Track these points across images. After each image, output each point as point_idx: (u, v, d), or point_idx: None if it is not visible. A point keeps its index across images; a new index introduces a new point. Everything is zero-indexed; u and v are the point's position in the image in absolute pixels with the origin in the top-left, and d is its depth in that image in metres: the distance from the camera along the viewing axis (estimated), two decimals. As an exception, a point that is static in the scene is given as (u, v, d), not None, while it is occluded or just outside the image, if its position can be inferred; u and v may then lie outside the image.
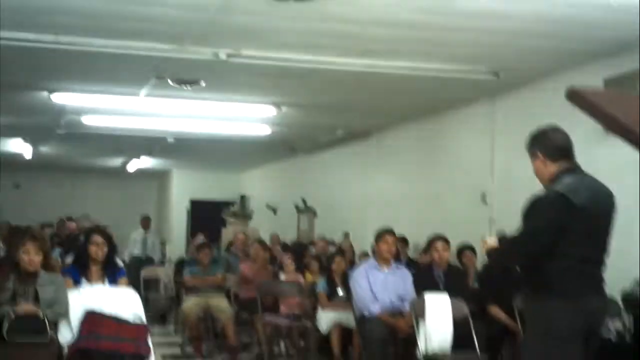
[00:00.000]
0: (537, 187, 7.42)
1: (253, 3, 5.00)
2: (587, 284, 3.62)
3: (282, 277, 8.27)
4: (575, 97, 2.18)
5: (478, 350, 5.87)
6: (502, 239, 4.04)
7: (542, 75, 7.06)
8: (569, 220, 3.52)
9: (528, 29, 5.56)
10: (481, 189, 8.16)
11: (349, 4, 5.06)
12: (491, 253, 4.00)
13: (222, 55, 6.30)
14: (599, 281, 3.70)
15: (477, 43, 6.02)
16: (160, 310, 11.08)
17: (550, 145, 3.76)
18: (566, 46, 6.07)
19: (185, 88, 7.63)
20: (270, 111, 9.13)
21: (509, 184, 7.81)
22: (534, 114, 7.48)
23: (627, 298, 5.47)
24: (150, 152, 14.11)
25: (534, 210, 3.63)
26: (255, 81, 7.68)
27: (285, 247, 10.34)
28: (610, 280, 6.01)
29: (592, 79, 6.27)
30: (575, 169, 3.74)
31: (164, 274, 11.04)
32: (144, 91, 8.05)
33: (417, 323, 5.90)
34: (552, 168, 3.73)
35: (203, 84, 7.57)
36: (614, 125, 2.07)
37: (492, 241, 3.99)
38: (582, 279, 3.59)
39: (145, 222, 14.51)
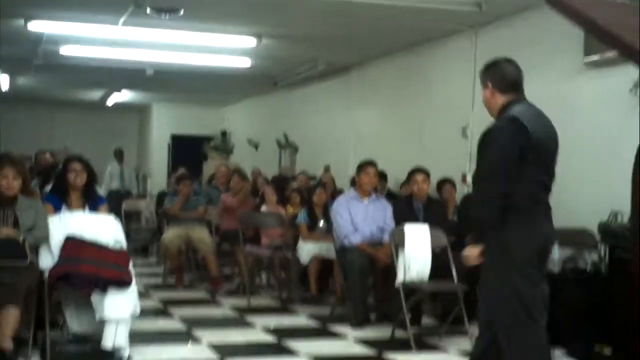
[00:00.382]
0: (517, 120, 7.43)
1: None
2: (542, 210, 3.70)
3: (264, 209, 8.29)
4: (554, 0, 2.16)
5: (456, 280, 5.95)
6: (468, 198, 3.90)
7: (524, 6, 6.99)
8: (525, 143, 3.57)
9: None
10: (462, 123, 8.16)
11: None
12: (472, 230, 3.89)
13: (201, -18, 6.18)
14: (549, 207, 3.77)
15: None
16: (142, 242, 11.13)
17: (500, 77, 3.78)
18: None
19: (163, 17, 7.50)
20: (251, 42, 9.01)
21: (489, 117, 7.78)
22: (517, 46, 7.42)
23: (604, 229, 5.54)
24: (129, 85, 13.94)
25: (491, 139, 3.63)
26: (235, 10, 7.56)
27: (267, 181, 10.32)
28: (588, 212, 6.12)
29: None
30: (523, 100, 3.79)
31: (146, 206, 11.05)
32: (122, 19, 7.90)
33: (397, 253, 5.97)
34: (500, 99, 3.76)
35: (182, 12, 7.44)
36: (591, 27, 2.06)
37: (472, 253, 3.73)
38: (538, 205, 3.67)
39: (119, 155, 14.46)
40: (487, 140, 3.64)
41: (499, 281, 3.60)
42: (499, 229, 3.57)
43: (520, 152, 3.55)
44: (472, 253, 3.69)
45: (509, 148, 3.55)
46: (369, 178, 6.66)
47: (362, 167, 6.73)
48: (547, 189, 3.77)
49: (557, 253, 5.90)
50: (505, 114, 3.68)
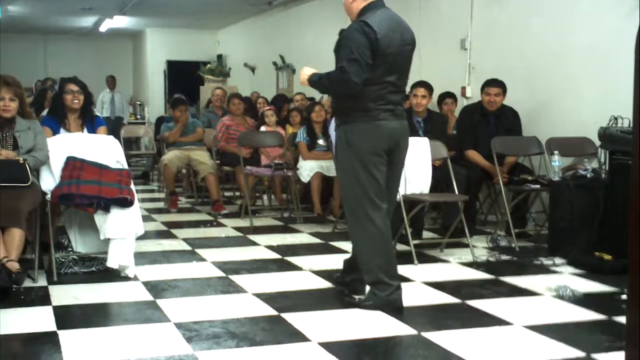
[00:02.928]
0: (516, 31, 7.39)
1: None
2: (388, 108, 4.08)
3: (263, 129, 8.27)
4: None
5: (456, 191, 5.97)
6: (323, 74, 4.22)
7: None
8: (376, 46, 3.93)
9: None
10: (460, 35, 8.06)
11: None
12: (311, 83, 4.28)
13: None
14: (397, 105, 4.14)
15: None
16: (142, 168, 11.16)
17: None
18: None
19: None
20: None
21: (487, 29, 7.71)
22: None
23: (604, 134, 5.52)
24: (122, 9, 13.70)
25: (345, 39, 4.00)
26: None
27: (267, 102, 10.26)
28: (589, 120, 6.11)
29: None
30: (380, 5, 4.10)
31: (144, 133, 11.03)
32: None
33: (397, 166, 5.95)
34: (359, 3, 4.10)
35: None
36: None
37: (306, 72, 4.31)
38: (383, 103, 4.06)
39: (112, 82, 14.40)
40: (342, 41, 4.02)
41: (346, 167, 4.12)
42: (345, 122, 4.10)
43: (369, 53, 3.92)
44: (306, 72, 4.28)
45: (363, 46, 3.92)
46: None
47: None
48: (397, 89, 4.13)
49: (557, 162, 5.92)
50: (359, 18, 4.05)
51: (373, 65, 3.95)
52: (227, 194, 9.03)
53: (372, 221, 4.08)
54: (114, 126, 11.16)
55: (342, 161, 4.18)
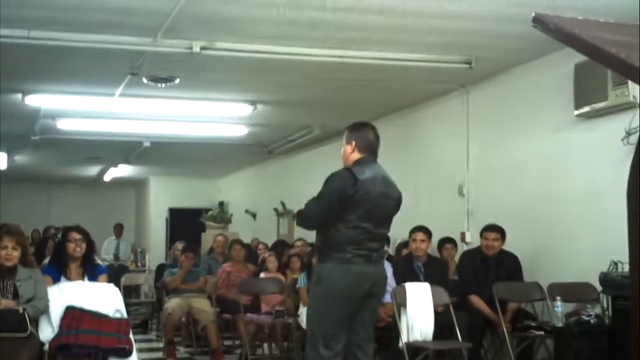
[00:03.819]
0: (512, 176, 7.53)
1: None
2: (362, 254, 4.34)
3: (262, 275, 8.25)
4: (540, 21, 2.26)
5: (460, 337, 5.89)
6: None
7: (514, 63, 7.11)
8: (353, 192, 4.28)
9: (500, 13, 5.57)
10: (458, 181, 8.19)
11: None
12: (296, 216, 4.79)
13: (196, 48, 6.27)
14: (372, 251, 4.40)
15: (448, 30, 6.05)
16: (141, 316, 11.02)
17: (363, 140, 4.56)
18: (538, 32, 6.09)
19: (159, 86, 7.60)
20: (246, 110, 9.11)
21: (484, 174, 7.84)
22: (508, 102, 7.54)
23: (604, 280, 5.51)
24: (127, 159, 14.02)
25: (326, 182, 4.41)
26: (229, 77, 7.67)
27: (267, 248, 10.30)
28: (587, 267, 6.10)
29: (563, 65, 6.34)
30: (372, 160, 4.55)
31: (144, 280, 10.99)
32: (118, 91, 8.01)
33: (399, 312, 5.91)
34: (354, 156, 4.54)
35: (177, 81, 7.55)
36: (578, 44, 2.13)
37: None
38: (357, 248, 4.32)
39: (119, 230, 14.55)
40: (326, 181, 4.41)
41: (312, 302, 4.46)
42: (321, 260, 4.42)
43: (346, 197, 4.27)
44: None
45: (335, 191, 4.31)
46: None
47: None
48: (373, 236, 4.40)
49: (560, 307, 5.86)
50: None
51: (347, 210, 4.28)
52: (226, 342, 8.88)
53: (322, 358, 4.30)
54: (116, 274, 11.12)
55: (310, 295, 4.53)
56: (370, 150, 4.56)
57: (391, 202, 4.53)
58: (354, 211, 4.30)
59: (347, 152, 4.59)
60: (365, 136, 4.58)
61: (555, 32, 2.23)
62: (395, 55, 6.72)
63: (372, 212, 4.36)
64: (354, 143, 4.55)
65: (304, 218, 4.57)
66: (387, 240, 8.88)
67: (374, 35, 6.20)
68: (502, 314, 6.22)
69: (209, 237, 12.27)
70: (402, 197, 4.66)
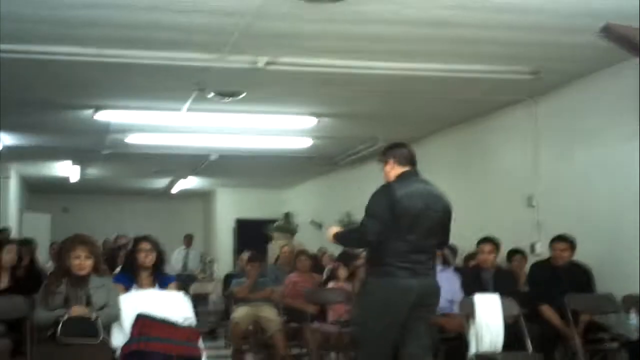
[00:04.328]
0: (582, 187, 7.38)
1: (287, 5, 5.03)
2: (406, 266, 4.40)
3: (331, 285, 8.26)
4: (608, 30, 2.24)
5: (530, 349, 5.78)
6: (346, 226, 4.55)
7: (581, 73, 6.99)
8: (392, 207, 4.38)
9: (567, 24, 5.50)
10: (526, 192, 8.07)
11: (381, 3, 5.07)
12: (336, 238, 4.75)
13: (261, 64, 6.36)
14: (417, 264, 4.45)
15: (515, 41, 5.99)
16: (209, 325, 11.17)
17: (399, 154, 4.68)
18: (606, 43, 5.96)
19: (225, 100, 7.71)
20: (310, 122, 9.17)
21: (555, 185, 7.72)
22: (576, 113, 7.42)
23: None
24: (194, 171, 14.25)
25: (370, 201, 4.51)
26: (294, 90, 7.74)
27: (333, 259, 10.31)
28: (636, 278, 5.94)
29: (633, 74, 6.20)
30: (412, 174, 4.67)
31: (213, 289, 11.14)
32: (186, 106, 8.16)
33: (467, 323, 5.84)
34: (397, 171, 4.64)
35: (243, 95, 7.64)
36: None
37: (331, 230, 4.79)
38: (401, 261, 4.39)
39: (189, 240, 14.78)
40: (371, 197, 4.52)
41: (356, 311, 4.70)
42: (367, 274, 4.57)
43: (389, 212, 4.37)
44: (331, 231, 4.74)
45: (380, 205, 4.43)
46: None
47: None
48: (416, 248, 4.45)
49: (635, 320, 5.71)
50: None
51: (392, 223, 4.36)
52: (294, 350, 8.91)
53: None
54: (185, 283, 11.30)
55: (355, 304, 4.74)
56: (408, 162, 4.67)
57: (435, 214, 4.57)
58: (397, 225, 4.38)
59: (386, 171, 4.68)
60: (400, 151, 4.70)
61: (621, 42, 2.20)
62: (460, 67, 6.68)
63: (415, 225, 4.43)
64: (391, 160, 4.66)
65: (358, 235, 4.60)
66: (454, 251, 8.88)
67: (439, 47, 6.17)
68: (574, 326, 6.09)
69: (275, 247, 12.36)
70: (452, 208, 4.74)
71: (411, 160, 4.69)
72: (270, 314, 8.00)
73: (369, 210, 4.46)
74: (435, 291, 4.62)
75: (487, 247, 6.63)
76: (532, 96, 7.87)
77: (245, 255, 10.13)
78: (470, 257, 7.73)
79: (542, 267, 6.68)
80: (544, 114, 7.88)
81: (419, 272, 4.44)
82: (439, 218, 4.60)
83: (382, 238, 4.39)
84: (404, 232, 4.39)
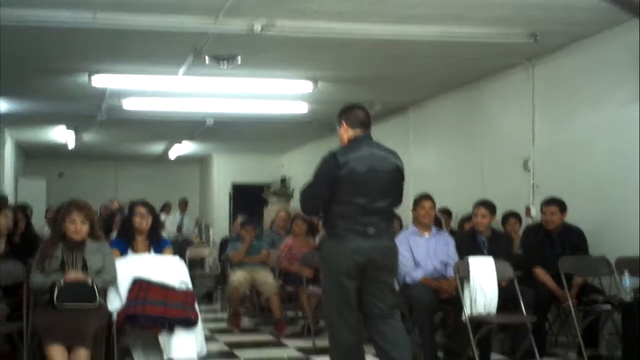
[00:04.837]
0: (579, 151, 7.38)
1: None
2: (355, 229, 4.43)
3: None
4: None
5: (525, 312, 5.82)
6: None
7: (579, 36, 6.95)
8: (337, 172, 4.41)
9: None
10: (523, 156, 8.08)
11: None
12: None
13: (257, 28, 6.32)
14: (367, 225, 4.46)
15: (513, 3, 5.94)
16: (206, 289, 11.24)
17: (353, 117, 4.67)
18: (605, 4, 5.93)
19: (221, 64, 7.66)
20: (307, 87, 9.13)
21: (551, 149, 7.73)
22: (573, 76, 7.39)
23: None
24: (190, 136, 14.23)
25: (317, 166, 4.57)
26: (290, 54, 7.69)
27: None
28: (630, 240, 5.97)
29: (632, 37, 6.17)
30: (365, 138, 4.64)
31: (209, 254, 11.19)
32: (182, 70, 8.12)
33: (462, 285, 5.88)
34: (350, 134, 4.64)
35: (239, 60, 7.60)
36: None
37: None
38: (350, 223, 4.43)
39: (184, 205, 14.82)
40: (318, 164, 4.58)
41: (322, 278, 4.62)
42: (324, 238, 4.66)
43: (332, 178, 4.43)
44: None
45: (322, 173, 4.49)
46: (425, 211, 6.54)
47: (418, 201, 6.64)
48: (367, 211, 4.47)
49: (628, 282, 5.76)
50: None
51: (335, 188, 4.43)
52: (289, 313, 8.99)
53: (338, 331, 4.47)
54: (181, 248, 11.34)
55: (320, 272, 4.75)
56: (361, 125, 4.65)
57: (382, 174, 4.55)
58: (343, 189, 4.43)
59: (340, 134, 4.69)
60: (353, 114, 4.69)
61: (621, 2, 2.17)
62: (457, 30, 6.64)
63: (362, 187, 4.46)
64: (344, 122, 4.66)
65: (302, 206, 4.70)
66: (449, 213, 8.91)
67: (435, 10, 6.13)
68: (567, 289, 6.13)
69: (272, 212, 12.39)
70: (402, 168, 4.74)
71: (364, 123, 4.67)
72: (266, 278, 8.06)
73: (312, 179, 4.56)
74: (390, 252, 4.61)
75: (482, 211, 6.61)
76: (530, 59, 7.84)
77: (240, 219, 10.18)
78: (466, 220, 7.76)
79: (536, 231, 6.70)
80: (542, 77, 7.85)
81: (370, 234, 4.45)
82: (387, 179, 4.59)
83: (326, 204, 4.48)
84: (350, 196, 4.43)
